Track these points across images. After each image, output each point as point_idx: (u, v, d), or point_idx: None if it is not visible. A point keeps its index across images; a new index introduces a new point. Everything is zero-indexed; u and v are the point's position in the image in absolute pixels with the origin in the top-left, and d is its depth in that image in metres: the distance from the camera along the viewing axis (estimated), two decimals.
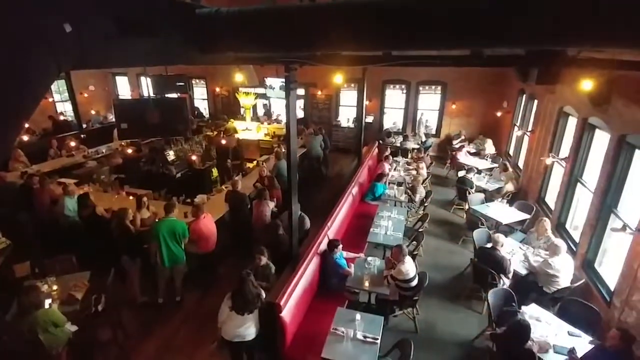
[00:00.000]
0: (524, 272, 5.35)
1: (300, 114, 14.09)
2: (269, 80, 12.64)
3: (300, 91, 13.58)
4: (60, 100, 14.83)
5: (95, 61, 2.20)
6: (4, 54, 1.45)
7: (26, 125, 10.69)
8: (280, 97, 12.44)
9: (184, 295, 5.68)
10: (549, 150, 7.40)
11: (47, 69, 1.77)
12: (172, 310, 5.47)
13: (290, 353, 4.13)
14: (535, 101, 8.88)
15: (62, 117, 14.07)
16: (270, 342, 4.17)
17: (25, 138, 10.81)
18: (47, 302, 4.13)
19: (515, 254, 5.63)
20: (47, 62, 1.75)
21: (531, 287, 5.12)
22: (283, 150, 8.83)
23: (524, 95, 9.87)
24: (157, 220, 5.68)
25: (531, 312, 4.38)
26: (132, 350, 4.77)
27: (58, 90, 14.65)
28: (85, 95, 15.48)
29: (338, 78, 9.89)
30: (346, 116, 13.96)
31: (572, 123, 6.84)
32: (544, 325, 4.23)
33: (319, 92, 13.95)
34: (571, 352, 3.70)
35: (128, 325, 5.05)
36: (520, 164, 9.57)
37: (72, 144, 10.57)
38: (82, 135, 11.56)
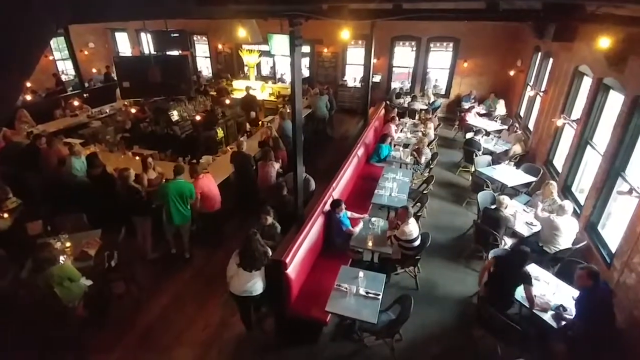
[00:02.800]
0: (526, 233, 5.41)
1: (305, 72, 13.72)
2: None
3: (306, 49, 13.14)
4: (60, 59, 14.52)
5: (92, 14, 2.12)
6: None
7: (28, 85, 10.59)
8: (284, 55, 12.06)
9: (193, 252, 5.86)
10: (561, 112, 7.21)
11: (44, 23, 1.71)
12: (182, 266, 5.67)
13: (296, 307, 4.31)
14: (551, 60, 8.52)
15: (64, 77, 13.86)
16: (276, 297, 4.34)
17: (29, 98, 10.72)
18: (61, 258, 4.28)
19: (525, 214, 5.65)
20: (45, 16, 1.69)
21: (532, 247, 5.18)
22: (288, 110, 8.71)
23: (539, 53, 9.47)
24: (165, 180, 5.75)
25: (530, 272, 4.46)
26: (146, 302, 5.01)
27: (58, 48, 14.30)
28: (86, 52, 15.13)
29: (345, 34, 9.49)
30: (353, 75, 13.58)
31: (586, 84, 6.61)
32: (543, 284, 4.33)
33: (325, 50, 13.48)
34: (558, 309, 3.87)
35: (141, 279, 5.27)
36: (531, 125, 9.37)
37: (76, 103, 10.47)
38: (84, 95, 11.41)
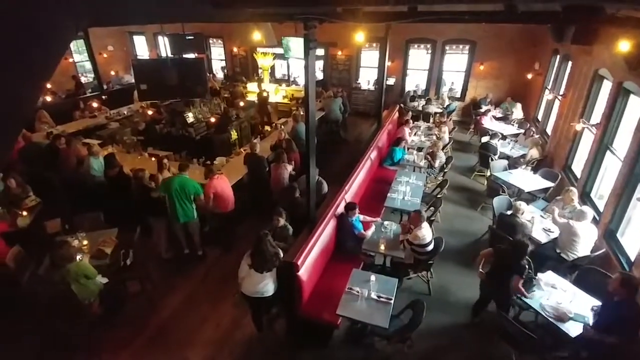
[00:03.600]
0: (543, 240, 5.29)
1: (319, 75, 13.75)
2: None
3: (320, 51, 13.16)
4: (80, 61, 14.90)
5: (112, 18, 2.16)
6: (21, 11, 1.43)
7: (49, 86, 10.90)
8: (299, 58, 12.10)
9: (207, 252, 5.92)
10: (580, 116, 7.04)
11: (65, 26, 1.76)
12: (195, 266, 5.73)
13: (307, 309, 4.30)
14: (570, 63, 8.34)
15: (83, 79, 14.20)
16: (287, 299, 4.34)
17: (49, 99, 11.03)
18: (78, 256, 4.37)
19: (542, 220, 5.55)
20: (65, 19, 1.73)
21: (549, 254, 5.08)
22: (301, 113, 8.73)
23: (558, 56, 9.28)
24: (170, 176, 5.78)
25: (547, 279, 4.36)
26: (159, 300, 5.07)
27: (78, 51, 14.68)
28: (105, 55, 15.47)
29: (359, 36, 9.47)
30: (367, 78, 13.55)
31: (606, 87, 6.44)
32: (560, 292, 4.22)
33: (339, 53, 13.48)
34: (585, 329, 3.70)
35: (155, 278, 5.34)
36: (549, 130, 9.17)
37: (95, 104, 10.73)
38: (103, 97, 11.68)
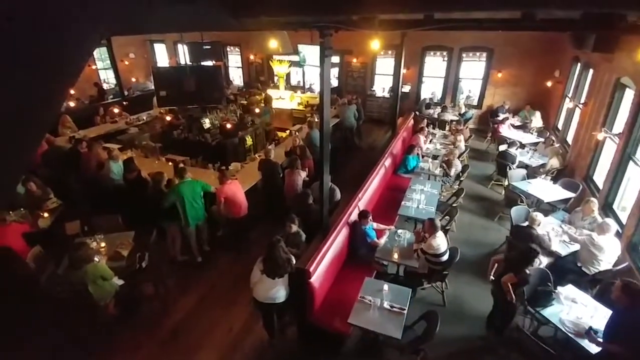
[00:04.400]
0: (563, 252, 5.14)
1: (334, 82, 13.81)
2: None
3: (335, 59, 13.23)
4: (102, 68, 15.36)
5: (136, 27, 2.23)
6: (45, 19, 1.49)
7: (72, 92, 11.26)
8: (314, 65, 12.20)
9: (217, 257, 5.97)
10: (602, 125, 6.85)
11: (88, 35, 1.81)
12: (209, 270, 5.78)
13: (318, 317, 4.27)
14: (591, 71, 8.16)
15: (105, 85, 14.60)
16: (299, 306, 4.33)
17: (72, 104, 11.39)
18: (96, 257, 4.47)
19: (557, 234, 5.39)
20: (89, 28, 1.78)
21: (570, 267, 4.93)
22: (316, 119, 8.77)
23: (579, 64, 9.09)
24: (177, 183, 5.82)
25: (567, 293, 4.23)
26: (172, 303, 5.13)
27: (100, 58, 15.15)
28: (126, 62, 15.91)
29: (375, 44, 9.48)
30: (382, 85, 13.53)
31: (629, 96, 6.27)
32: (580, 306, 4.08)
33: (354, 60, 13.52)
34: (588, 333, 3.61)
35: (169, 281, 5.40)
36: (569, 139, 8.96)
37: (116, 110, 11.03)
38: (124, 103, 12.00)
